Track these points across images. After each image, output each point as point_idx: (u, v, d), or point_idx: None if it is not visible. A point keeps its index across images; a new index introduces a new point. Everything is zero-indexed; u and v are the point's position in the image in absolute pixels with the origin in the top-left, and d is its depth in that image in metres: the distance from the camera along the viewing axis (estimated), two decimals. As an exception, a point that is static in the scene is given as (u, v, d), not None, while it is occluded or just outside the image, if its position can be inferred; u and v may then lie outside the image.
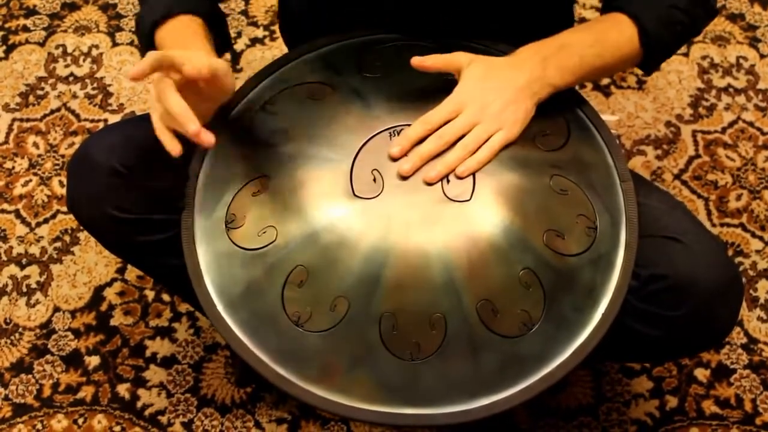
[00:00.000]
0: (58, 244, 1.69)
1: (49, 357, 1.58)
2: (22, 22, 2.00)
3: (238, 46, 1.95)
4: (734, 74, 1.89)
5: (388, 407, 1.00)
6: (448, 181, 1.03)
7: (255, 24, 2.00)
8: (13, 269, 1.67)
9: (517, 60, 1.08)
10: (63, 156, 1.79)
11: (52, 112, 1.86)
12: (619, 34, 1.12)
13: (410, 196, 1.02)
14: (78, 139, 1.81)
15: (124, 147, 1.12)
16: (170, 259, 1.12)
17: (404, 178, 1.02)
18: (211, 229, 1.07)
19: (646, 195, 1.12)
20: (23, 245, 1.69)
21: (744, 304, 1.58)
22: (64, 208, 1.72)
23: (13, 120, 1.85)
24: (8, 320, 1.61)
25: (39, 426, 1.51)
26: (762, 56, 1.92)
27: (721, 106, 1.84)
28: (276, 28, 1.93)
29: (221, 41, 1.20)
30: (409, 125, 1.06)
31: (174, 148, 0.99)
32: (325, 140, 1.06)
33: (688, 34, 1.18)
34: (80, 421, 1.51)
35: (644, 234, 1.07)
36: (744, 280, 1.61)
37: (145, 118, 1.25)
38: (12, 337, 1.60)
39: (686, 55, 1.92)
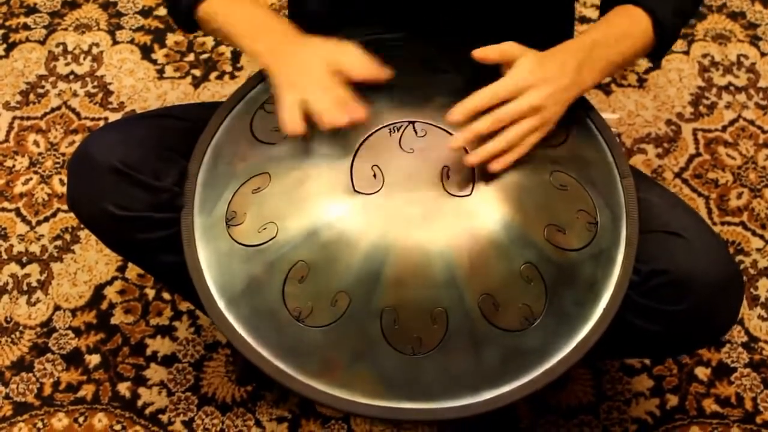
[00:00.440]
0: (58, 243, 1.69)
1: (49, 355, 1.57)
2: (22, 20, 2.00)
3: (239, 44, 1.95)
4: (735, 72, 1.89)
5: (390, 402, 1.00)
6: (448, 177, 1.03)
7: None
8: (13, 268, 1.67)
9: (561, 60, 1.07)
10: (63, 154, 1.79)
11: (53, 110, 1.86)
12: (637, 28, 1.12)
13: (410, 191, 1.02)
14: (78, 138, 1.81)
15: (125, 145, 1.12)
16: (171, 257, 1.12)
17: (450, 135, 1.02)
18: (211, 226, 1.07)
19: (646, 191, 1.12)
20: (24, 243, 1.69)
21: (744, 303, 1.58)
22: (65, 207, 1.72)
23: (14, 118, 1.85)
24: (9, 319, 1.61)
25: (40, 425, 1.51)
26: (763, 54, 1.92)
27: (722, 105, 1.84)
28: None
29: None
30: (408, 122, 1.06)
31: (303, 129, 1.04)
32: (324, 137, 1.06)
33: (692, 17, 1.18)
34: (81, 419, 1.51)
35: (645, 229, 1.07)
36: (744, 278, 1.61)
37: (146, 116, 1.27)
38: (12, 336, 1.59)
39: (687, 53, 1.92)
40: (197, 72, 1.91)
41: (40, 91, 1.89)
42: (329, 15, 1.20)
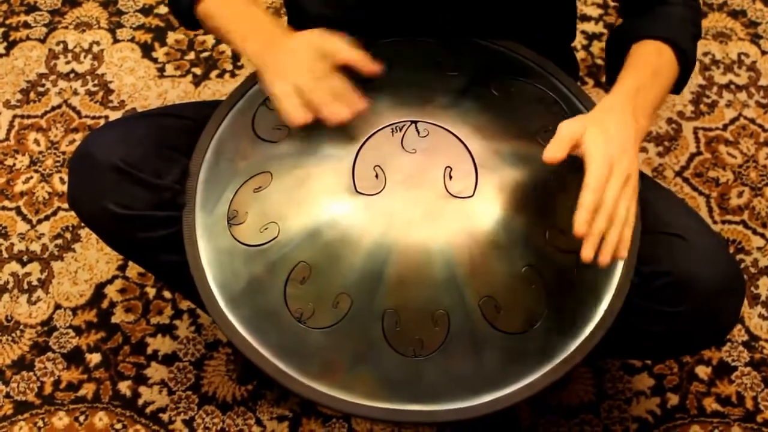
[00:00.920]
0: (59, 242, 1.69)
1: (50, 354, 1.57)
2: (23, 18, 2.00)
3: (239, 43, 1.94)
4: (736, 71, 1.89)
5: (391, 404, 1.00)
6: (450, 177, 1.03)
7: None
8: (14, 266, 1.67)
9: (619, 120, 1.04)
10: (64, 153, 1.79)
11: (53, 108, 1.86)
12: (663, 61, 1.13)
13: (412, 192, 1.02)
14: (79, 136, 1.81)
15: (126, 144, 1.12)
16: (172, 256, 1.12)
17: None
18: (212, 225, 1.07)
19: (648, 192, 1.12)
20: (24, 242, 1.69)
21: (745, 302, 1.57)
22: (65, 205, 1.72)
23: (14, 117, 1.85)
24: (9, 317, 1.61)
25: (40, 423, 1.51)
26: (763, 53, 1.92)
27: (723, 103, 1.84)
28: (277, 25, 1.93)
29: None
30: (410, 122, 1.05)
31: (306, 117, 1.04)
32: (326, 136, 1.06)
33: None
34: (81, 418, 1.51)
35: (646, 231, 1.07)
36: (745, 277, 1.61)
37: (147, 115, 1.26)
38: (13, 335, 1.59)
39: (688, 52, 1.92)
40: (198, 70, 1.90)
41: (41, 89, 1.89)
42: (329, 19, 1.19)
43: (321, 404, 1.03)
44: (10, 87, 1.89)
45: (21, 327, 1.60)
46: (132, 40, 1.96)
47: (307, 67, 1.06)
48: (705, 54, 1.91)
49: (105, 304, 1.62)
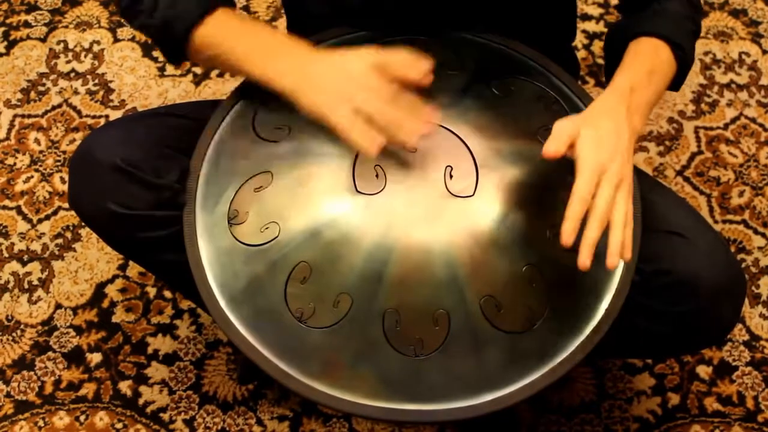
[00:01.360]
0: (59, 241, 1.69)
1: (50, 354, 1.57)
2: (23, 17, 2.00)
3: (240, 42, 1.94)
4: (737, 70, 1.89)
5: (392, 403, 1.00)
6: (451, 177, 1.03)
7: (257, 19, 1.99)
8: (14, 266, 1.67)
9: (612, 121, 1.04)
10: (64, 152, 1.79)
11: (54, 108, 1.86)
12: (660, 60, 1.13)
13: (413, 191, 1.02)
14: (79, 136, 1.81)
15: (126, 143, 1.12)
16: (172, 256, 1.12)
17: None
18: (213, 225, 1.07)
19: (648, 191, 1.12)
20: (25, 242, 1.69)
21: (746, 301, 1.57)
22: (66, 205, 1.72)
23: (15, 116, 1.85)
24: (10, 317, 1.61)
25: (41, 423, 1.51)
26: (764, 52, 1.92)
27: (724, 102, 1.84)
28: (277, 24, 1.93)
29: None
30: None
31: (382, 143, 0.99)
32: (327, 136, 1.05)
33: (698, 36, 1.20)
34: (82, 418, 1.51)
35: (647, 230, 1.07)
36: (746, 277, 1.61)
37: (147, 114, 1.26)
38: (14, 334, 1.59)
39: (688, 51, 1.92)
40: (198, 70, 1.90)
41: (41, 88, 1.89)
42: (330, 16, 1.19)
43: (321, 404, 1.02)
44: (11, 86, 1.89)
45: (21, 326, 1.60)
46: (132, 39, 1.96)
47: (368, 87, 1.01)
48: (706, 53, 1.91)
49: (105, 304, 1.62)
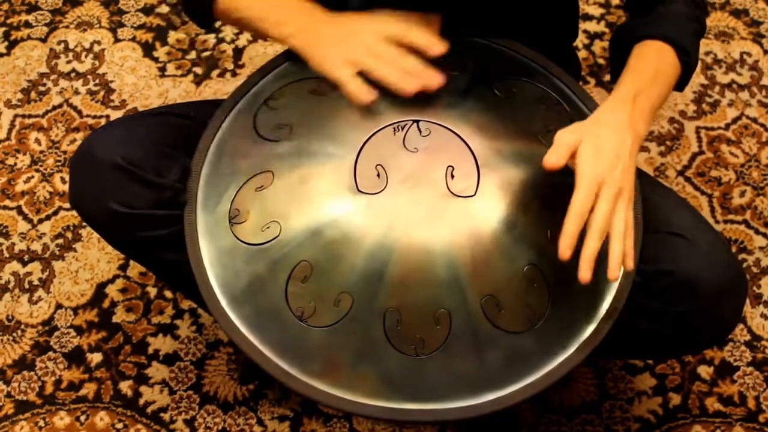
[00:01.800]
0: (60, 241, 1.69)
1: (51, 354, 1.57)
2: (24, 17, 2.00)
3: (241, 41, 1.94)
4: (738, 70, 1.89)
5: (392, 403, 1.00)
6: (452, 177, 1.03)
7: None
8: (15, 266, 1.67)
9: (614, 128, 1.04)
10: (65, 152, 1.79)
11: (54, 108, 1.86)
12: (665, 63, 1.12)
13: (414, 191, 1.02)
14: (80, 136, 1.81)
15: (127, 143, 1.12)
16: (173, 255, 1.12)
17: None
18: (214, 224, 1.07)
19: (649, 191, 1.12)
20: (25, 242, 1.69)
21: (747, 302, 1.57)
22: (66, 205, 1.72)
23: (15, 116, 1.85)
24: (10, 317, 1.61)
25: (41, 423, 1.51)
26: (766, 52, 1.91)
27: (725, 102, 1.84)
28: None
29: None
30: (413, 121, 1.05)
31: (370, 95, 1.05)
32: (328, 135, 1.06)
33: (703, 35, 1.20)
34: (82, 418, 1.51)
35: (648, 230, 1.07)
36: (747, 277, 1.61)
37: (148, 114, 1.26)
38: (14, 334, 1.59)
39: (689, 51, 1.92)
40: (199, 70, 1.90)
41: (42, 89, 1.89)
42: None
43: (322, 403, 1.02)
44: (11, 86, 1.89)
45: (22, 327, 1.60)
46: (133, 39, 1.96)
47: (371, 49, 1.07)
48: (707, 53, 1.91)
49: (106, 304, 1.62)
